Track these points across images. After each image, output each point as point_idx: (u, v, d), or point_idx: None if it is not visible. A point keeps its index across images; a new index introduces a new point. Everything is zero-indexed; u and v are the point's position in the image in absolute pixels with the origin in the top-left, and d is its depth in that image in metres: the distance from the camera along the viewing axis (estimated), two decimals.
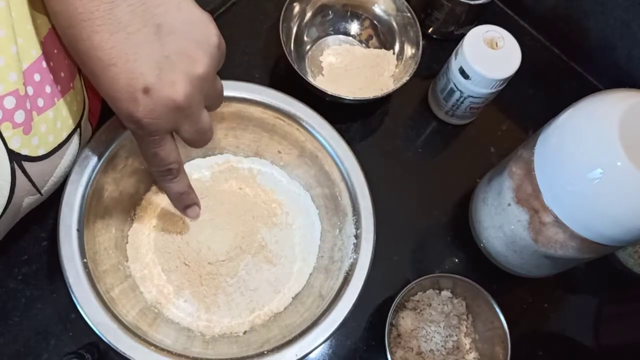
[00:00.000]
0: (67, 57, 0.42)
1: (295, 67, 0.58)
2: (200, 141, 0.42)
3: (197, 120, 0.40)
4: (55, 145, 0.42)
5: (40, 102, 0.39)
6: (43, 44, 0.39)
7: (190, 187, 0.47)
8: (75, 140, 0.45)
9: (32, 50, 0.38)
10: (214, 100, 0.42)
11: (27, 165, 0.40)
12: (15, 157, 0.39)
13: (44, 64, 0.40)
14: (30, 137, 0.39)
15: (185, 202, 0.48)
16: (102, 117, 0.51)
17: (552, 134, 0.46)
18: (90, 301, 0.44)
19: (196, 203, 0.49)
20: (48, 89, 0.40)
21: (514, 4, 0.72)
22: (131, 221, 0.53)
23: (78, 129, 0.45)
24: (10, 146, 0.38)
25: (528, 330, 0.58)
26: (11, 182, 0.39)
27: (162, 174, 0.44)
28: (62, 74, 0.42)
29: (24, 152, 0.39)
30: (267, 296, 0.53)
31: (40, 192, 0.43)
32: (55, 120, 0.41)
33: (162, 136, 0.39)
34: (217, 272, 0.52)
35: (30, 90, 0.38)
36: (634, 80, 0.65)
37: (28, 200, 0.43)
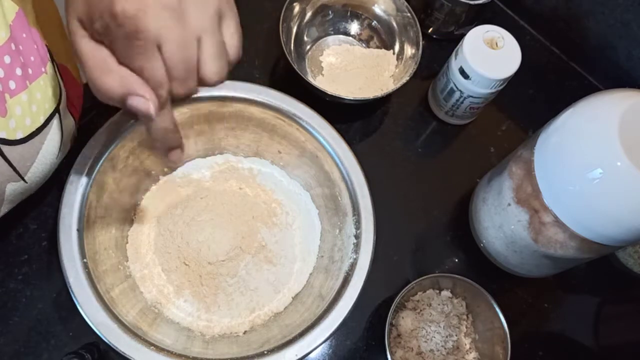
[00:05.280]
0: (36, 42, 0.42)
1: (295, 67, 0.58)
2: (182, 76, 0.34)
3: (187, 40, 0.33)
4: (34, 129, 0.42)
5: (12, 85, 0.39)
6: (11, 28, 0.39)
7: (176, 124, 0.38)
8: (55, 125, 0.44)
9: (1, 32, 0.38)
10: (229, 39, 0.37)
11: (5, 148, 0.40)
12: None
13: (13, 46, 0.39)
14: (7, 120, 0.39)
15: (171, 142, 0.39)
16: (84, 111, 0.51)
17: (552, 134, 0.46)
18: (90, 301, 0.44)
19: (181, 145, 0.40)
20: (19, 72, 0.40)
21: (514, 4, 0.72)
22: (131, 221, 0.53)
23: (57, 115, 0.44)
24: None
25: (528, 330, 0.58)
26: None
27: None
28: (32, 58, 0.41)
29: (1, 135, 0.39)
30: (267, 296, 0.53)
31: (23, 179, 0.43)
32: (30, 104, 0.41)
33: (148, 44, 0.32)
34: (217, 272, 0.52)
35: (1, 73, 0.38)
36: (634, 80, 0.65)
37: (11, 186, 0.43)
